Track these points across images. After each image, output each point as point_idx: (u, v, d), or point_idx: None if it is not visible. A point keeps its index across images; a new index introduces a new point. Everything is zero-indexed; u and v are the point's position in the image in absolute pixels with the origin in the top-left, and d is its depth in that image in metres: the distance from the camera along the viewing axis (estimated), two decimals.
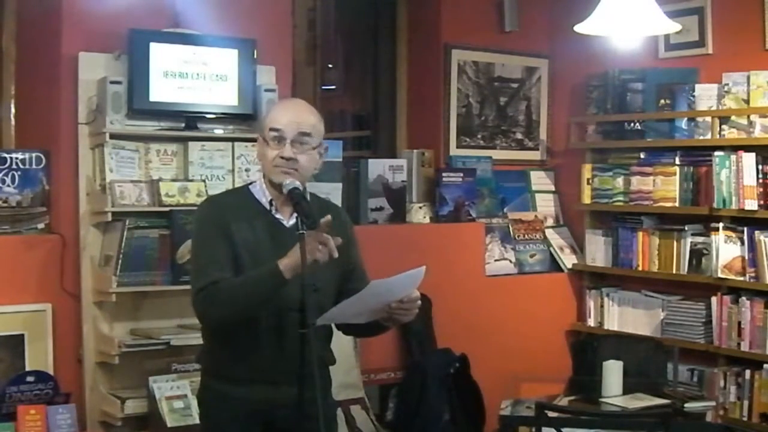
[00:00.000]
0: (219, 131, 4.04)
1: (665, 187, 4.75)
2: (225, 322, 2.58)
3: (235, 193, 2.81)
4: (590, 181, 5.13)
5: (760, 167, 4.41)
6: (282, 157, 2.58)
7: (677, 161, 4.73)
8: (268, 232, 2.63)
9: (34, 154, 3.81)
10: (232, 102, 3.99)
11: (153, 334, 3.69)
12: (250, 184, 2.76)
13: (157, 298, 3.80)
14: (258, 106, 3.99)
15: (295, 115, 2.61)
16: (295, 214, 2.59)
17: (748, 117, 4.52)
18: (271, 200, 2.66)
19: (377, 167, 4.67)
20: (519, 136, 5.53)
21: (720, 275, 4.51)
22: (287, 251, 2.54)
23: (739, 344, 4.46)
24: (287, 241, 2.58)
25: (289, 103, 2.73)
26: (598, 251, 5.14)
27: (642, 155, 4.93)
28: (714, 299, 4.56)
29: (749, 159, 4.43)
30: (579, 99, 5.34)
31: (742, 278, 4.47)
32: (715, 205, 4.53)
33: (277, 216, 2.66)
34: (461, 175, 4.98)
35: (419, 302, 2.57)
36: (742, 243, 4.47)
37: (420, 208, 4.88)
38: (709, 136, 4.63)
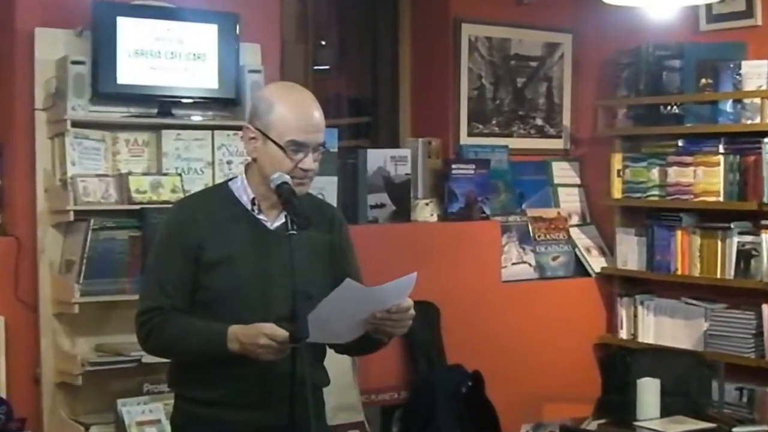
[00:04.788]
0: (197, 118, 4.04)
1: (707, 179, 4.74)
2: (159, 356, 2.68)
3: (212, 194, 2.79)
4: (621, 173, 5.12)
5: None
6: (303, 169, 2.58)
7: (721, 149, 4.72)
8: (249, 236, 2.61)
9: None
10: (212, 85, 3.99)
11: (122, 350, 3.67)
12: (231, 180, 2.73)
13: (127, 309, 3.73)
14: (241, 89, 4.01)
15: (317, 124, 2.60)
16: (283, 215, 2.57)
17: None
18: (253, 199, 2.64)
19: (377, 158, 4.66)
20: (539, 122, 5.52)
21: None
22: (272, 255, 2.55)
23: None
24: (271, 245, 2.58)
25: (301, 102, 2.63)
26: (630, 253, 5.13)
27: (680, 143, 4.92)
28: (765, 307, 4.55)
29: None
30: (607, 79, 5.33)
31: None
32: (765, 200, 4.52)
33: (260, 217, 2.64)
34: (473, 166, 4.97)
35: (412, 312, 2.54)
36: None
37: (426, 204, 4.87)
38: (757, 120, 4.62)
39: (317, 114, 2.61)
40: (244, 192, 2.65)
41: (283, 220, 2.57)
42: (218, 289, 2.57)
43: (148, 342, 2.61)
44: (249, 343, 2.45)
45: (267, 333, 2.43)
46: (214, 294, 2.58)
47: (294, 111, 2.58)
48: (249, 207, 2.64)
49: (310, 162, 2.58)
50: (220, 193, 2.70)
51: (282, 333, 2.42)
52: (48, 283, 3.74)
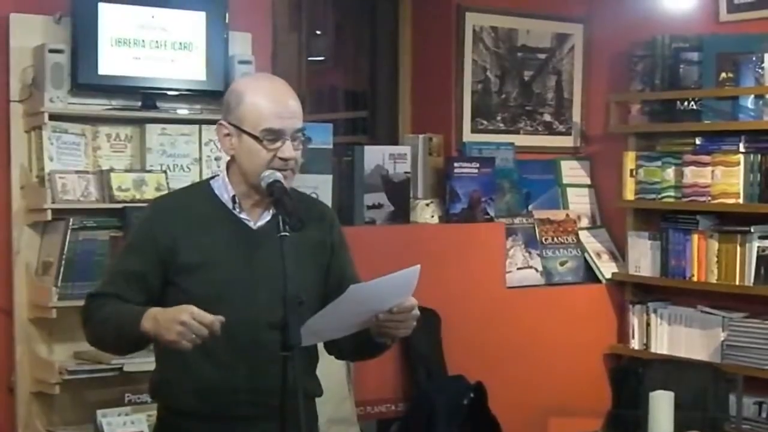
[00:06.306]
0: (183, 111, 4.05)
1: (726, 179, 4.74)
2: (96, 347, 2.76)
3: (190, 192, 2.79)
4: (634, 173, 5.12)
5: None
6: (282, 158, 2.58)
7: (742, 148, 4.72)
8: (229, 237, 2.62)
9: None
10: (199, 76, 4.00)
11: (102, 357, 3.66)
12: (213, 178, 2.74)
13: None
14: (230, 81, 3.97)
15: (292, 110, 2.61)
16: (267, 214, 2.60)
17: None
18: (233, 197, 2.65)
19: (375, 156, 4.65)
20: (547, 118, 5.53)
21: None
22: (255, 257, 2.57)
23: None
24: (254, 246, 2.59)
25: (274, 90, 2.65)
26: (643, 258, 5.14)
27: (698, 141, 4.92)
28: None
29: None
30: (621, 73, 5.33)
31: None
32: None
33: (242, 216, 2.65)
34: (477, 165, 4.98)
35: (417, 312, 2.55)
36: None
37: (426, 205, 4.88)
38: None
39: (292, 101, 2.62)
40: (224, 190, 2.65)
41: (267, 219, 2.59)
42: (199, 294, 2.56)
43: (85, 330, 2.66)
44: (164, 319, 2.42)
45: (193, 311, 2.40)
46: (195, 299, 2.54)
47: (266, 98, 2.59)
48: (230, 205, 2.64)
49: (289, 150, 2.57)
50: (200, 191, 2.71)
51: (210, 318, 2.39)
52: (24, 286, 3.75)
